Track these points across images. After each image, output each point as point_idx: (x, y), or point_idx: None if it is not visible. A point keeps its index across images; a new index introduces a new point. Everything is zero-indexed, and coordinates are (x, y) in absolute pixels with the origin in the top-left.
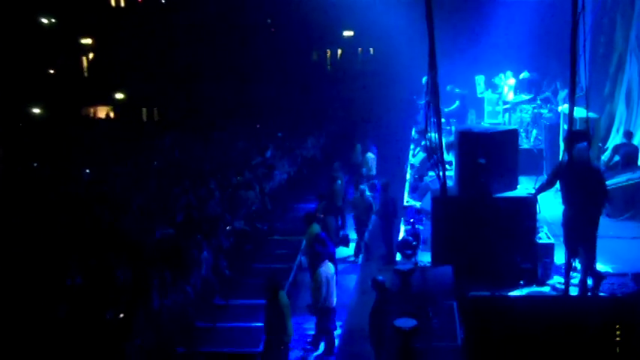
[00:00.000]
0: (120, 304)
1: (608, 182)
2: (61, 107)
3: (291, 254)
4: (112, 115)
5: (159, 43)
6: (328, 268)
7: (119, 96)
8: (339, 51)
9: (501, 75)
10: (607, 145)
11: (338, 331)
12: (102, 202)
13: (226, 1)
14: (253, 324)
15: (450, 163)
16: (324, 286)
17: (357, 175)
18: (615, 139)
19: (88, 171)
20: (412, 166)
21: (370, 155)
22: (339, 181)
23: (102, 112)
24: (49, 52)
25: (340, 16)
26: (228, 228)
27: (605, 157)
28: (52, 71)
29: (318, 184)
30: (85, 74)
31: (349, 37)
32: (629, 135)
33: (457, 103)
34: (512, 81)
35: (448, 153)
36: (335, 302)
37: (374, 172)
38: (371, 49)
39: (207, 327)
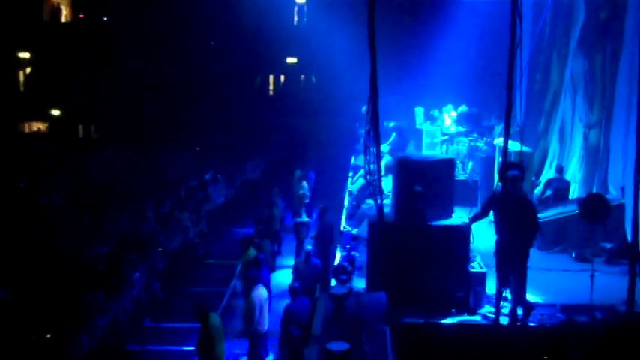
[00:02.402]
0: (51, 323)
1: (539, 215)
2: None
3: (226, 278)
4: (43, 130)
5: (99, 60)
6: (261, 292)
7: (55, 112)
8: (282, 77)
9: (436, 110)
10: (540, 180)
11: (270, 357)
12: (36, 217)
13: (170, 22)
14: (184, 347)
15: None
16: (256, 310)
17: (296, 202)
18: (548, 173)
19: (22, 185)
20: (350, 193)
21: (304, 184)
22: (278, 206)
23: (37, 127)
24: None
25: (284, 43)
26: (160, 249)
27: (537, 191)
28: None
29: (256, 208)
30: (22, 89)
31: (293, 64)
32: (560, 170)
33: (393, 135)
34: (454, 113)
35: (386, 175)
36: (267, 327)
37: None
38: (313, 77)
39: (137, 350)
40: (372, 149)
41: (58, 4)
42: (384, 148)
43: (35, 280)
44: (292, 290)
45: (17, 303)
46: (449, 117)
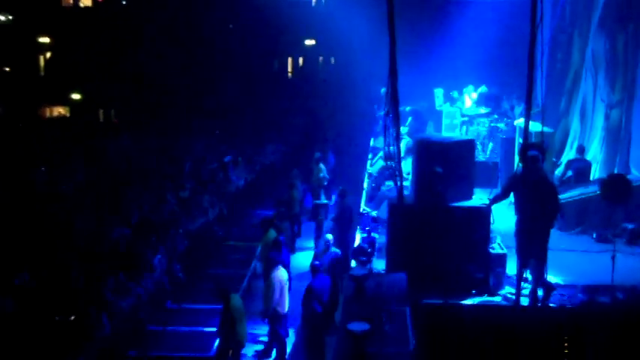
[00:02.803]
0: (73, 305)
1: (560, 196)
2: (17, 106)
3: (247, 260)
4: (64, 114)
5: (118, 44)
6: (281, 273)
7: (76, 96)
8: (301, 59)
9: (455, 91)
10: (561, 160)
11: (291, 338)
12: (56, 201)
13: (188, 4)
14: (206, 328)
15: (408, 174)
16: (276, 291)
17: (315, 184)
18: (569, 154)
19: (43, 169)
20: (370, 175)
21: (322, 166)
22: (297, 188)
23: (58, 111)
24: (5, 50)
25: (303, 25)
26: (181, 231)
27: (558, 171)
28: (7, 69)
29: (276, 191)
30: (42, 73)
31: (311, 46)
32: (581, 150)
33: (409, 119)
34: (474, 95)
35: (406, 157)
36: (287, 309)
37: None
38: (332, 59)
39: (159, 330)
40: (391, 131)
41: None
42: (402, 130)
43: (57, 263)
44: (313, 268)
45: (39, 286)
46: (470, 98)
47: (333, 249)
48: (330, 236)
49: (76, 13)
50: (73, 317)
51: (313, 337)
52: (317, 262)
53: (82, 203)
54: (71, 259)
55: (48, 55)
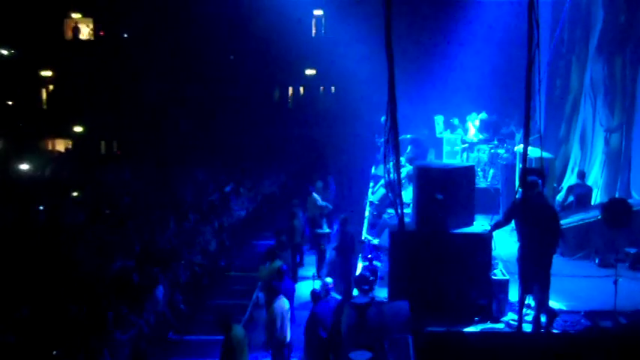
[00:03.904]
0: (72, 338)
1: (562, 222)
2: (20, 139)
3: (248, 290)
4: (67, 147)
5: (119, 77)
6: (283, 303)
7: (78, 129)
8: (301, 89)
9: (456, 118)
10: (562, 186)
11: None
12: (57, 234)
13: (189, 37)
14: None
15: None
16: (277, 320)
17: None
18: (570, 179)
19: (42, 206)
20: (371, 203)
21: (315, 195)
22: (299, 218)
23: (60, 144)
24: (8, 84)
25: (303, 55)
26: (183, 262)
27: (559, 197)
28: (10, 103)
29: (277, 221)
30: (44, 106)
31: (311, 76)
32: (582, 175)
33: (409, 148)
34: (478, 122)
35: (409, 184)
36: (289, 337)
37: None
38: (332, 88)
39: None
40: (391, 158)
41: (79, 22)
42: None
43: (58, 296)
44: (314, 296)
45: (39, 320)
46: (473, 126)
47: (334, 294)
48: (330, 280)
49: (78, 47)
50: (71, 351)
51: None
52: (317, 290)
53: (83, 235)
54: (72, 291)
55: (50, 88)
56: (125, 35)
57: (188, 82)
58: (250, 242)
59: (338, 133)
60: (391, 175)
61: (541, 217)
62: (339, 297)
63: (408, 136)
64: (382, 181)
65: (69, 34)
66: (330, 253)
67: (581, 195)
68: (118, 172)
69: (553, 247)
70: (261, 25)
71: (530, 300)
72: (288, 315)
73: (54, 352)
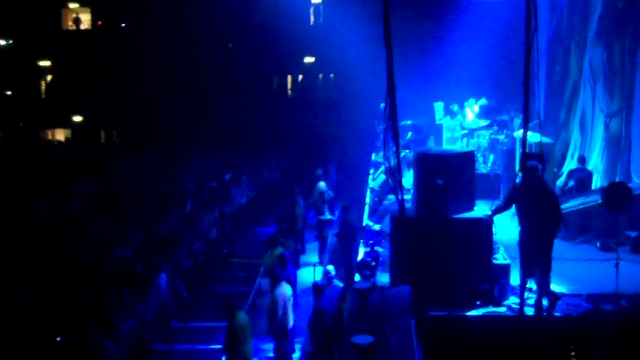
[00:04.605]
0: (76, 326)
1: (563, 206)
2: (19, 130)
3: (251, 277)
4: (64, 137)
5: (118, 66)
6: (285, 289)
7: (77, 118)
8: (300, 77)
9: (455, 105)
10: (562, 171)
11: (297, 354)
12: (58, 223)
13: (188, 25)
14: (211, 346)
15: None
16: (280, 307)
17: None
18: (570, 164)
19: (42, 194)
20: (372, 189)
21: (322, 184)
22: (299, 205)
23: (60, 134)
24: (7, 74)
25: (302, 43)
26: (184, 250)
27: (560, 182)
28: (9, 93)
29: (277, 208)
30: (43, 96)
31: (310, 64)
32: (582, 160)
33: (409, 134)
34: (476, 108)
35: (408, 169)
36: (292, 324)
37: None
38: (332, 75)
39: (164, 350)
40: (390, 145)
41: (77, 12)
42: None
43: (61, 284)
44: (316, 288)
45: (42, 307)
46: (472, 111)
47: (336, 282)
48: (331, 268)
49: (76, 36)
50: (74, 338)
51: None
52: (319, 282)
53: (85, 224)
54: (75, 279)
55: (49, 78)
56: (123, 24)
57: (187, 70)
58: (251, 229)
59: (338, 121)
60: (391, 162)
61: (542, 202)
62: (341, 285)
63: (409, 122)
64: (382, 168)
65: (67, 24)
66: (331, 240)
67: (581, 179)
68: (118, 161)
69: (554, 232)
70: (260, 14)
71: (531, 284)
72: (291, 301)
73: (57, 339)
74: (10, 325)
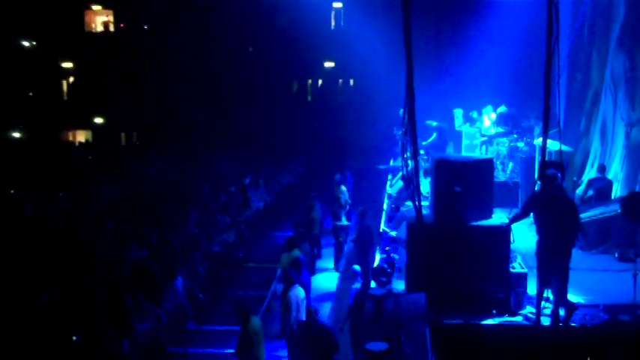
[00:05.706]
0: (93, 327)
1: (582, 215)
2: (41, 131)
3: (266, 281)
4: (84, 139)
5: (139, 68)
6: (298, 292)
7: (98, 120)
8: (320, 81)
9: (475, 111)
10: (582, 179)
11: None
12: (78, 224)
13: (209, 28)
14: (226, 350)
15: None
16: (293, 310)
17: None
18: (590, 173)
19: (62, 195)
20: (389, 195)
21: (343, 188)
22: (316, 210)
23: (81, 136)
24: (29, 75)
25: (322, 47)
26: (202, 253)
27: (579, 190)
28: (31, 94)
29: (295, 212)
30: (65, 98)
31: (330, 68)
32: (602, 169)
33: (434, 135)
34: (493, 115)
35: (425, 178)
36: None
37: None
38: (351, 81)
39: (179, 352)
40: (409, 150)
41: (102, 15)
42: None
43: (78, 285)
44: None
45: (59, 307)
46: (488, 118)
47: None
48: (358, 267)
49: (98, 38)
50: (90, 338)
51: None
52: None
53: (104, 225)
54: (93, 280)
55: (71, 79)
56: (145, 27)
57: (207, 74)
58: (268, 234)
59: (357, 126)
60: (409, 168)
61: (560, 211)
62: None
63: (434, 123)
64: (400, 174)
65: (90, 26)
66: (348, 246)
67: (601, 188)
68: (138, 163)
69: (572, 241)
70: (280, 18)
71: (548, 293)
72: (304, 304)
73: (74, 338)
74: (27, 323)
